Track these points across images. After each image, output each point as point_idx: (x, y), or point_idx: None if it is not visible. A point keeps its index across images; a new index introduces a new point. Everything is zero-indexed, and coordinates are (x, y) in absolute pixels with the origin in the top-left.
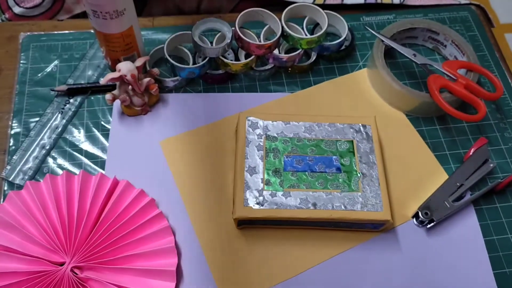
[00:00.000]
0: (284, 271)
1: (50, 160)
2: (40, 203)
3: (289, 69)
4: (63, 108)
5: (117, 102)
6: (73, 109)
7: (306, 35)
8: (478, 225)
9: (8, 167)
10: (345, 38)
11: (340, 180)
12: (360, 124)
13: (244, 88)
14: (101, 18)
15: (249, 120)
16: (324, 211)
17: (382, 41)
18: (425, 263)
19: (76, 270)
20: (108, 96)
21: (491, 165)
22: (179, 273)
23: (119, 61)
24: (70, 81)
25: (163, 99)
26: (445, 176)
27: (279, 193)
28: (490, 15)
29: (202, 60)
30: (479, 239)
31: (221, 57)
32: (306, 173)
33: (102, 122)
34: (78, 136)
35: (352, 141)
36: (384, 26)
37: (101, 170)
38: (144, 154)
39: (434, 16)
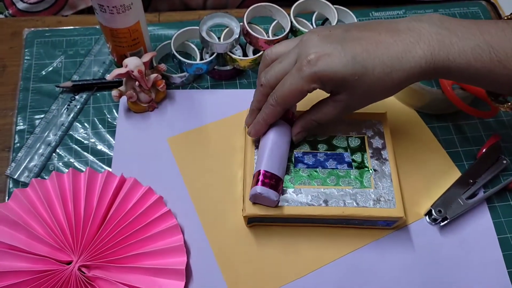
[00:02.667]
0: (295, 269)
1: (55, 157)
2: (46, 201)
3: None
4: (68, 105)
5: (124, 99)
6: (78, 106)
7: None
8: (491, 222)
9: (13, 165)
10: None
11: (352, 176)
12: (371, 120)
13: (253, 84)
14: (107, 13)
15: None
16: (336, 208)
17: None
18: (438, 261)
19: (83, 269)
20: (114, 92)
21: (504, 162)
22: (188, 272)
23: (125, 57)
24: (75, 77)
25: (170, 96)
26: (458, 174)
27: (290, 190)
28: (500, 11)
29: (210, 56)
30: (492, 237)
31: (229, 53)
32: (317, 169)
33: (108, 119)
34: (84, 133)
35: (363, 137)
36: None
37: (107, 168)
38: (151, 151)
39: (445, 11)
